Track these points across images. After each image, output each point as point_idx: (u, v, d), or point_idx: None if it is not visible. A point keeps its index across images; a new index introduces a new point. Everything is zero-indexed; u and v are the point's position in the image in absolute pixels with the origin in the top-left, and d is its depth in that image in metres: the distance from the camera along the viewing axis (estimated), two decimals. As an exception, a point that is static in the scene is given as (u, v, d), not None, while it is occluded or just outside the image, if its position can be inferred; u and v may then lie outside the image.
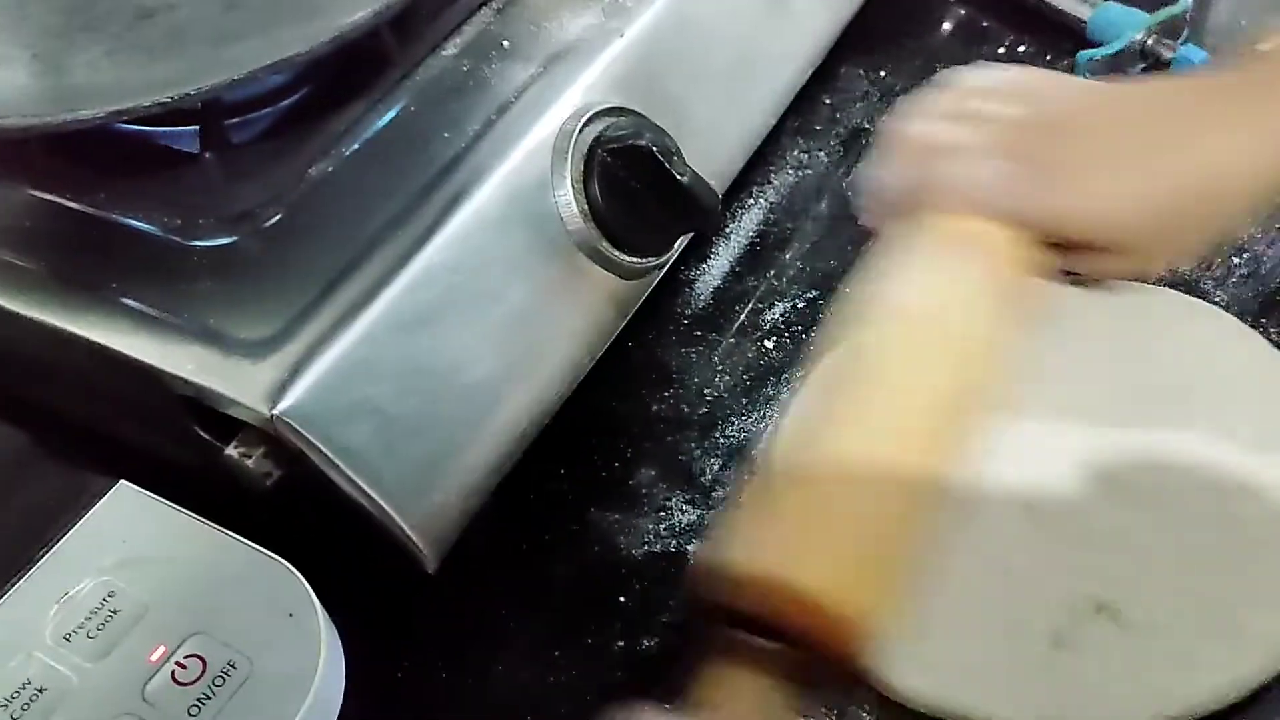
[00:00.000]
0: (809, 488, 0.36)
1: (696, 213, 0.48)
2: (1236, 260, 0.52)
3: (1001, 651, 0.41)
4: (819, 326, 0.53)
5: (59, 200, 0.46)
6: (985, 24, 0.67)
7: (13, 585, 0.39)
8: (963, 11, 0.68)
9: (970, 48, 0.66)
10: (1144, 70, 0.61)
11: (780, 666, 0.33)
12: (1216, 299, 0.51)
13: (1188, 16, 0.61)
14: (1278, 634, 0.40)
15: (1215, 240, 0.42)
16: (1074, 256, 0.40)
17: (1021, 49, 0.65)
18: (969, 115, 0.41)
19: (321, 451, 0.39)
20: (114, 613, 0.37)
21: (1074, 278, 0.44)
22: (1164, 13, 0.60)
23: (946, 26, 0.68)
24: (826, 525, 0.34)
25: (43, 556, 0.39)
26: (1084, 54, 0.61)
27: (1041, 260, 0.40)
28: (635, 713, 0.32)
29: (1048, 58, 0.64)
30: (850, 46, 0.65)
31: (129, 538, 0.40)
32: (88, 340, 0.42)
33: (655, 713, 0.32)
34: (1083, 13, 0.63)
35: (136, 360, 0.41)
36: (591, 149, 0.46)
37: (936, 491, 0.36)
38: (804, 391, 0.48)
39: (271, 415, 0.38)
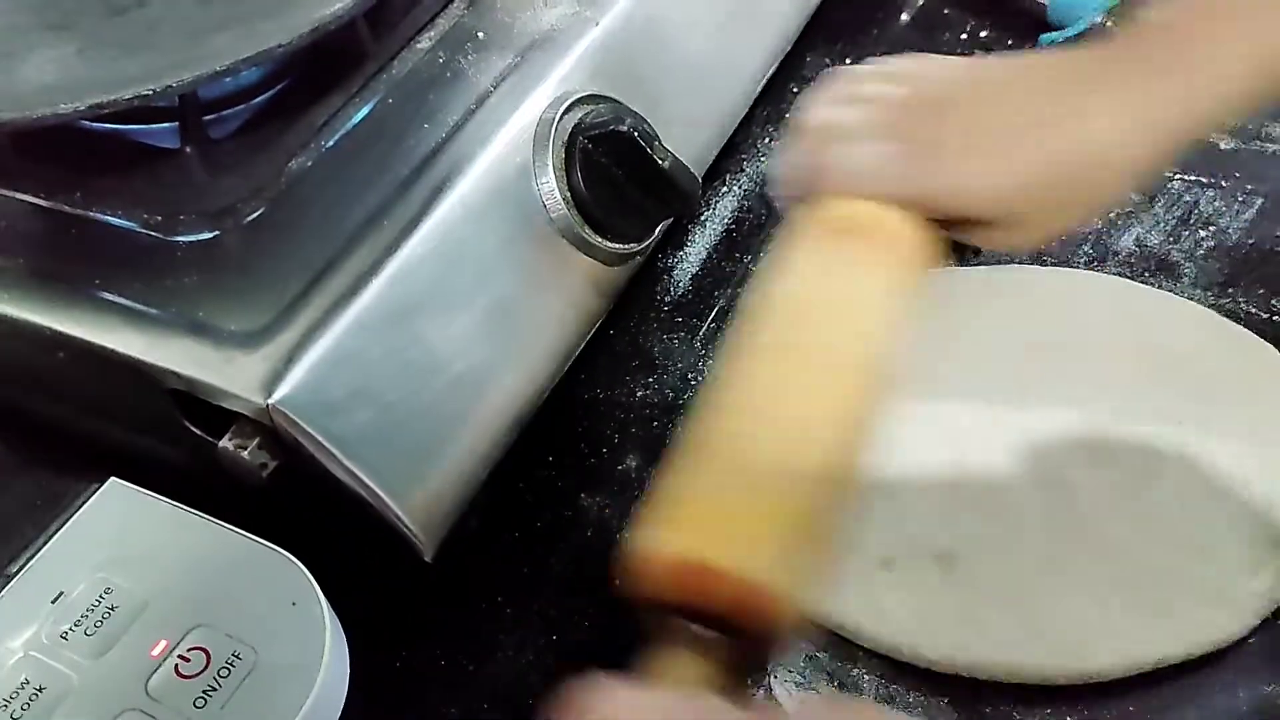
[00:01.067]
0: (716, 469, 0.35)
1: (677, 197, 0.48)
2: (1203, 233, 0.53)
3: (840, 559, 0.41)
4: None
5: (36, 200, 0.46)
6: (946, 10, 0.68)
7: (5, 586, 0.38)
8: (922, 1, 0.70)
9: (932, 34, 0.67)
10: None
11: (713, 648, 0.33)
12: (1185, 270, 0.52)
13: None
14: (1070, 642, 0.41)
15: (1097, 212, 0.41)
16: (959, 230, 0.40)
17: (983, 34, 0.66)
18: (858, 99, 0.41)
19: (318, 440, 0.39)
20: (112, 609, 0.37)
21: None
22: (1117, -5, 0.61)
23: (908, 14, 0.69)
24: (738, 503, 0.34)
25: (35, 557, 0.39)
26: (1045, 36, 0.62)
27: (930, 237, 0.40)
28: (594, 684, 0.31)
29: (1009, 43, 0.65)
30: (816, 36, 0.65)
31: (123, 534, 0.39)
32: (72, 337, 0.41)
33: (613, 684, 0.31)
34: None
35: (124, 355, 0.40)
36: (572, 136, 0.47)
37: (844, 463, 0.36)
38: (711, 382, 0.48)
39: (268, 405, 0.38)
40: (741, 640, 0.32)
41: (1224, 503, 0.43)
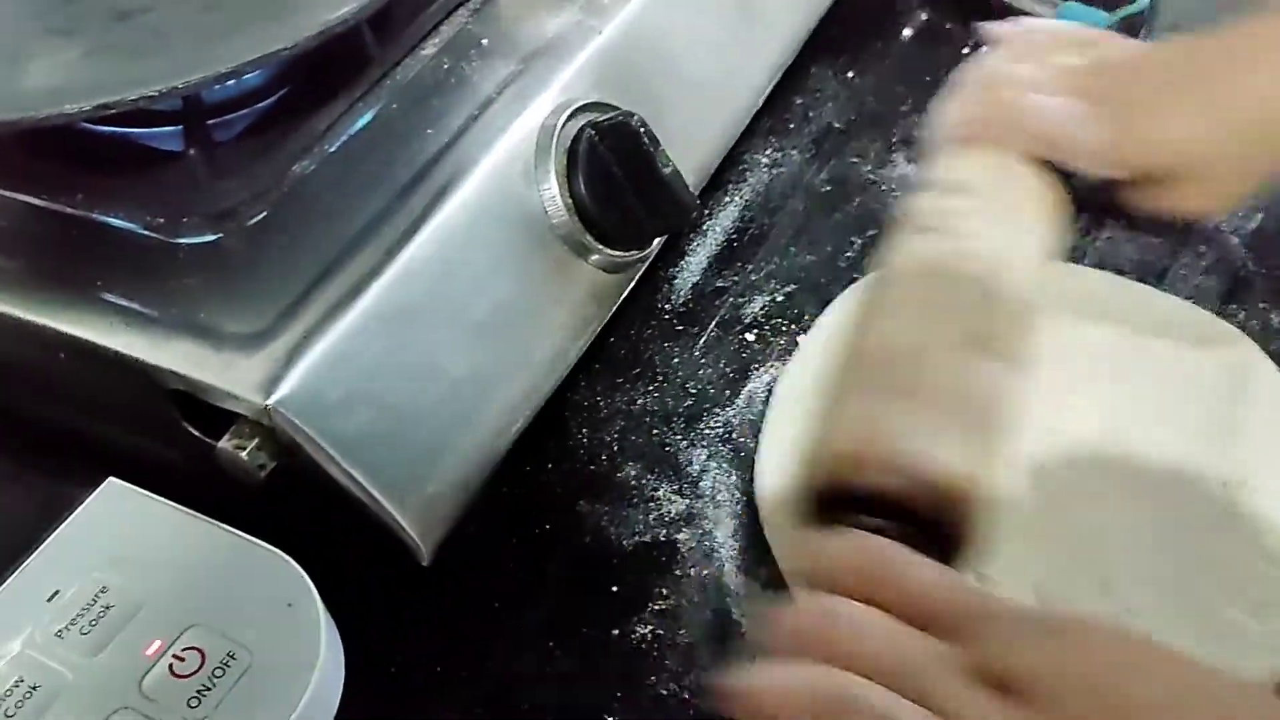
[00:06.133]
0: (898, 368, 0.35)
1: (673, 209, 0.48)
2: (1204, 248, 0.53)
3: None
4: (799, 319, 0.54)
5: (39, 201, 0.46)
6: (948, 25, 0.68)
7: (2, 585, 0.38)
8: (925, 16, 0.70)
9: (934, 49, 0.67)
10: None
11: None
12: (1184, 284, 0.52)
13: (1147, 14, 0.62)
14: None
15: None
16: (1137, 191, 0.42)
17: (985, 49, 0.66)
18: (1031, 59, 0.43)
19: (316, 441, 0.39)
20: (107, 608, 0.37)
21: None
22: (1124, 11, 0.62)
23: (910, 29, 0.69)
24: (929, 399, 0.34)
25: (32, 556, 0.39)
26: (1047, 52, 0.62)
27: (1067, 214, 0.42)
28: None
29: (1011, 57, 0.65)
30: (819, 48, 0.66)
31: (120, 534, 0.39)
32: (73, 338, 0.41)
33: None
34: (1045, 13, 0.64)
35: (126, 356, 0.40)
36: (575, 140, 0.47)
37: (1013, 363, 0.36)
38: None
39: (267, 406, 0.38)
40: (926, 538, 0.32)
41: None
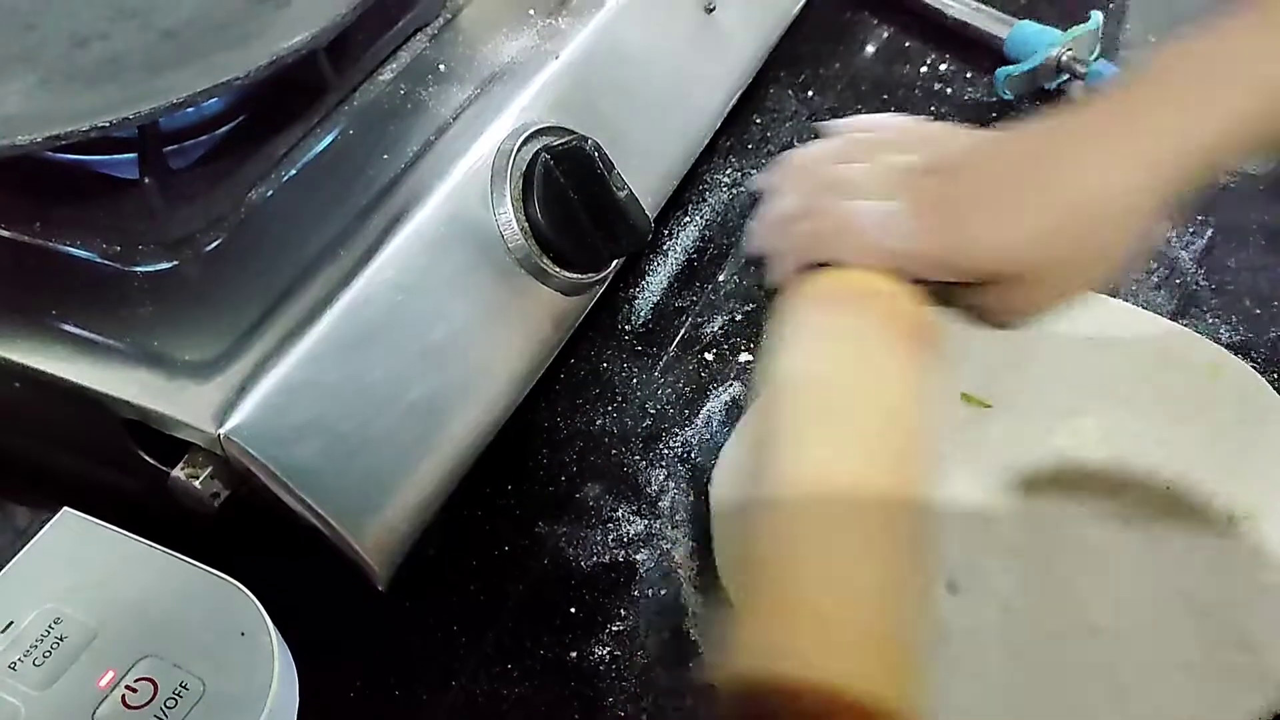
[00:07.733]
0: (791, 573, 0.34)
1: (627, 231, 0.48)
2: (1154, 264, 0.54)
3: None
4: (757, 338, 0.54)
5: (-7, 230, 0.46)
6: (908, 44, 0.69)
7: (-44, 617, 0.38)
8: (885, 33, 0.71)
9: (893, 67, 0.68)
10: (1061, 85, 0.63)
11: None
12: (1136, 301, 0.53)
13: (1099, 33, 0.63)
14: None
15: (1109, 270, 0.40)
16: (970, 295, 0.40)
17: (943, 67, 0.67)
18: (863, 157, 0.42)
19: (270, 470, 0.39)
20: (61, 639, 0.37)
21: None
22: (1076, 30, 0.62)
23: (870, 47, 0.70)
24: (831, 610, 0.33)
25: (-15, 586, 0.39)
26: (1002, 70, 0.63)
27: (929, 308, 0.40)
28: None
29: (968, 75, 0.66)
30: (778, 67, 0.66)
31: (74, 564, 0.39)
32: (28, 367, 0.41)
33: None
34: (1000, 31, 0.65)
35: (79, 386, 0.40)
36: (531, 163, 0.47)
37: (917, 551, 0.35)
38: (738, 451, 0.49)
39: (219, 435, 0.38)
40: None
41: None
